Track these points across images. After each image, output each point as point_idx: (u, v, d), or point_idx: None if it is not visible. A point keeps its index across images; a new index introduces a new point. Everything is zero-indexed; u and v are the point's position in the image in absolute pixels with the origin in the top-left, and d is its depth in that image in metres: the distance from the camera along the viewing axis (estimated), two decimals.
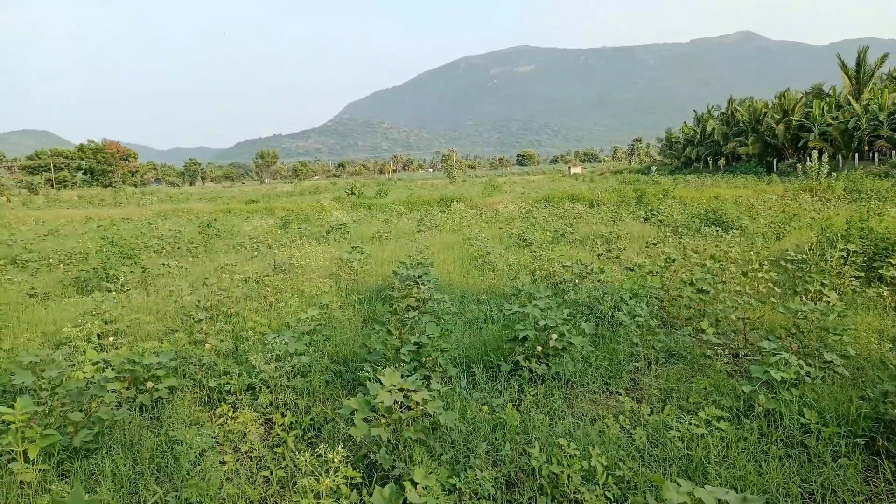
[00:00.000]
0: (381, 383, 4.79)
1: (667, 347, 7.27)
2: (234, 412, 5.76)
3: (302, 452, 4.52)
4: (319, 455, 4.48)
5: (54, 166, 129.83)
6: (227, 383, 6.46)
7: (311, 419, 5.83)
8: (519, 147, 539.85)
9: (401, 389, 4.84)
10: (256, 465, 5.15)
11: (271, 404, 6.21)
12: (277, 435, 5.68)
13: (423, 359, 6.43)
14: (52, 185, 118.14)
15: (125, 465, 4.84)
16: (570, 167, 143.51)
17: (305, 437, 5.62)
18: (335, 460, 3.85)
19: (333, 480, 3.73)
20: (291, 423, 5.84)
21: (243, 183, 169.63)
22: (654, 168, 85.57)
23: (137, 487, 4.61)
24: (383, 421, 4.87)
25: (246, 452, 5.34)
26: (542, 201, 32.60)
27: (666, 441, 4.87)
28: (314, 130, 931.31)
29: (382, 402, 4.70)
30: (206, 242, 19.58)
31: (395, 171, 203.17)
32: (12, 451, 4.50)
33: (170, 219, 33.72)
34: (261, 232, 23.33)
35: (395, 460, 4.62)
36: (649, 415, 5.43)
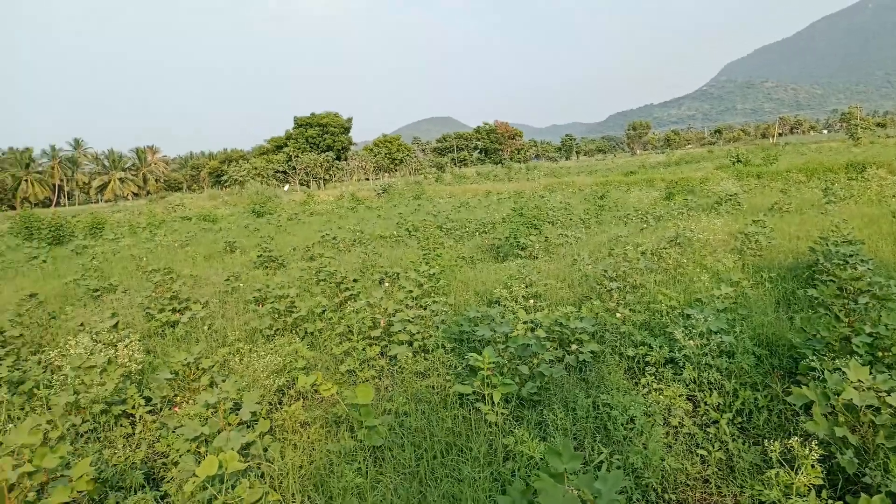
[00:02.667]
0: (846, 376, 4.21)
1: None
2: (657, 384, 5.79)
3: (767, 441, 4.25)
4: (787, 447, 4.15)
5: (456, 147, 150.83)
6: (647, 354, 6.52)
7: (742, 403, 5.50)
8: None
9: (870, 388, 4.17)
10: (687, 442, 5.08)
11: (694, 381, 6.06)
12: (705, 414, 5.52)
13: (881, 353, 5.48)
14: (455, 164, 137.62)
15: (565, 419, 5.26)
16: None
17: (735, 422, 5.33)
18: (809, 456, 3.49)
19: (806, 477, 3.40)
20: (719, 404, 5.61)
21: (615, 155, 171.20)
22: None
23: (581, 443, 4.96)
24: (841, 419, 4.29)
25: (675, 427, 5.32)
26: None
27: None
28: (686, 97, 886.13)
29: (846, 399, 4.13)
30: (597, 214, 20.28)
31: (780, 134, 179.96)
32: (480, 392, 5.29)
33: (556, 191, 35.97)
34: (645, 203, 23.15)
35: (863, 467, 4.02)
36: None
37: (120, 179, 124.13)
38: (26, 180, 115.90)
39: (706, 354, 6.11)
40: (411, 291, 8.95)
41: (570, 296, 9.66)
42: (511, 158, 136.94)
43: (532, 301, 8.79)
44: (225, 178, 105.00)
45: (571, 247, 14.21)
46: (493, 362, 5.30)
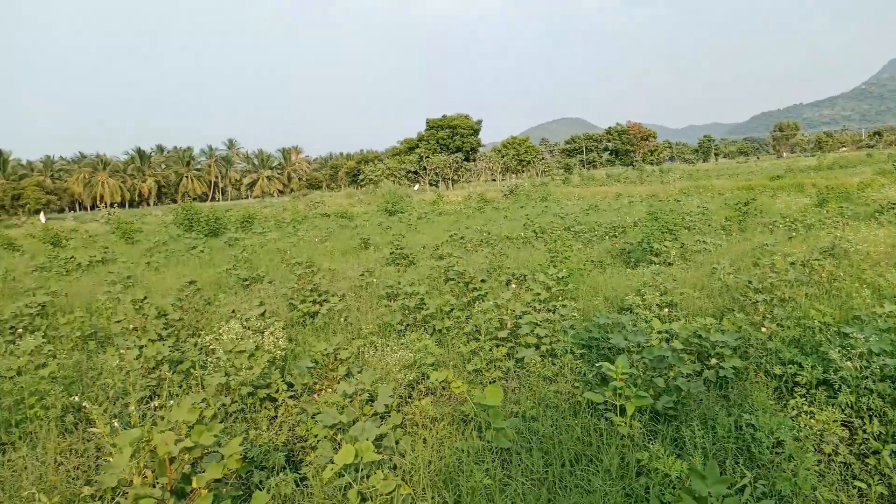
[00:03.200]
0: None
1: None
2: (808, 407, 5.32)
3: None
4: None
5: (585, 148, 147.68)
6: (797, 374, 6.01)
7: None
8: None
9: None
10: (843, 472, 4.62)
11: (851, 407, 5.50)
12: (864, 443, 4.99)
13: None
14: (583, 165, 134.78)
15: (704, 438, 4.96)
16: None
17: None
18: None
19: None
20: (880, 433, 5.05)
21: (758, 158, 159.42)
22: None
23: (722, 465, 4.66)
24: None
25: (829, 455, 4.86)
26: None
27: None
28: (841, 96, 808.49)
29: None
30: (739, 220, 19.03)
31: None
32: (612, 403, 5.13)
33: (692, 195, 34.16)
34: (794, 210, 21.38)
35: None
36: None
37: (267, 177, 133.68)
38: (187, 176, 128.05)
39: (866, 378, 5.52)
40: (539, 294, 8.86)
41: (709, 306, 9.12)
42: (643, 160, 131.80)
43: (667, 310, 8.39)
44: (361, 177, 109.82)
45: (710, 254, 13.42)
46: (627, 372, 5.12)
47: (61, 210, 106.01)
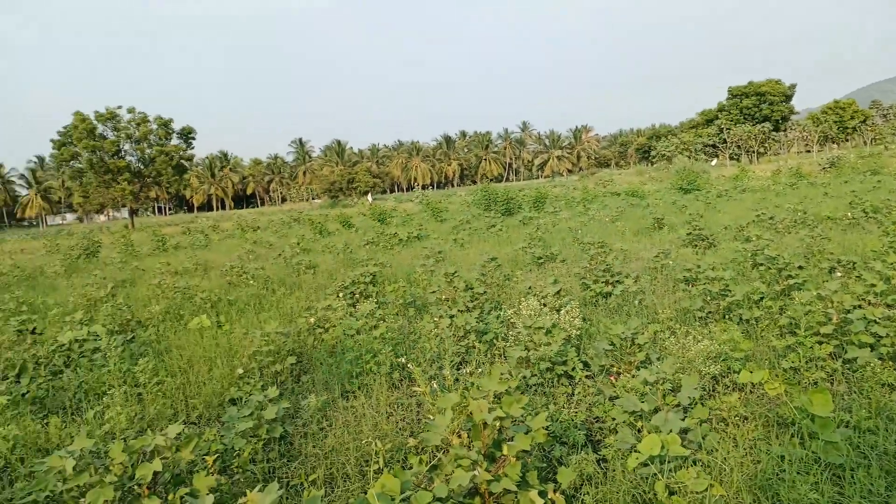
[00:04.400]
0: None
1: None
2: None
3: None
4: None
5: None
6: None
7: None
8: None
9: None
10: None
11: None
12: None
13: None
14: None
15: None
16: None
17: None
18: None
19: None
20: None
21: None
22: None
23: None
24: None
25: None
26: None
27: None
28: None
29: None
30: None
31: None
32: None
33: None
34: None
35: None
36: None
37: (557, 157, 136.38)
38: (485, 159, 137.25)
39: None
40: (873, 286, 7.47)
41: None
42: None
43: None
44: (652, 153, 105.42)
45: None
46: None
47: (384, 191, 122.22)
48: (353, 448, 5.15)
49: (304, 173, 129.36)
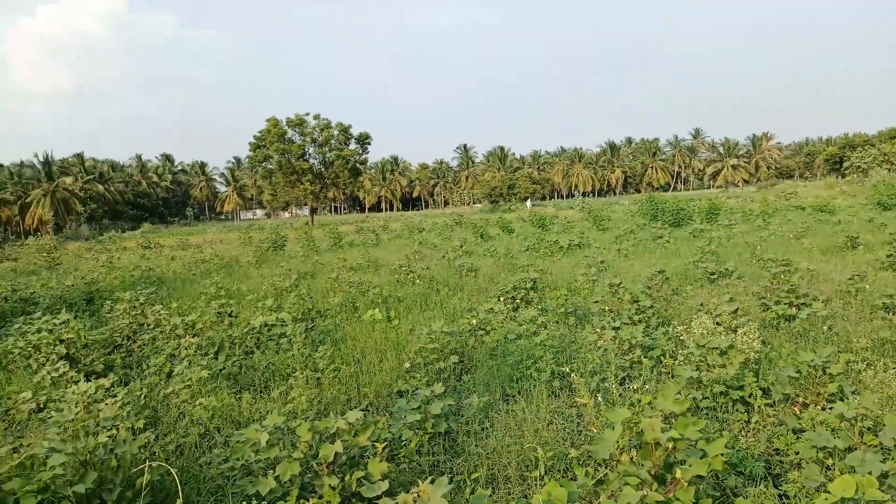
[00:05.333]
0: None
1: None
2: None
3: None
4: None
5: None
6: None
7: None
8: None
9: None
10: None
11: None
12: None
13: None
14: None
15: None
16: None
17: None
18: None
19: None
20: None
21: None
22: None
23: None
24: None
25: None
26: None
27: None
28: None
29: None
30: None
31: None
32: None
33: None
34: None
35: None
36: None
37: (732, 166, 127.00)
38: (651, 167, 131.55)
39: None
40: None
41: None
42: None
43: None
44: (845, 165, 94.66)
45: None
46: None
47: (543, 198, 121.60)
48: (515, 451, 5.21)
49: (467, 178, 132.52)
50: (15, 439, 5.92)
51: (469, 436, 5.74)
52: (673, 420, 4.47)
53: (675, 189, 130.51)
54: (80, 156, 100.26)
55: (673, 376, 6.66)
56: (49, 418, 5.80)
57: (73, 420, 4.71)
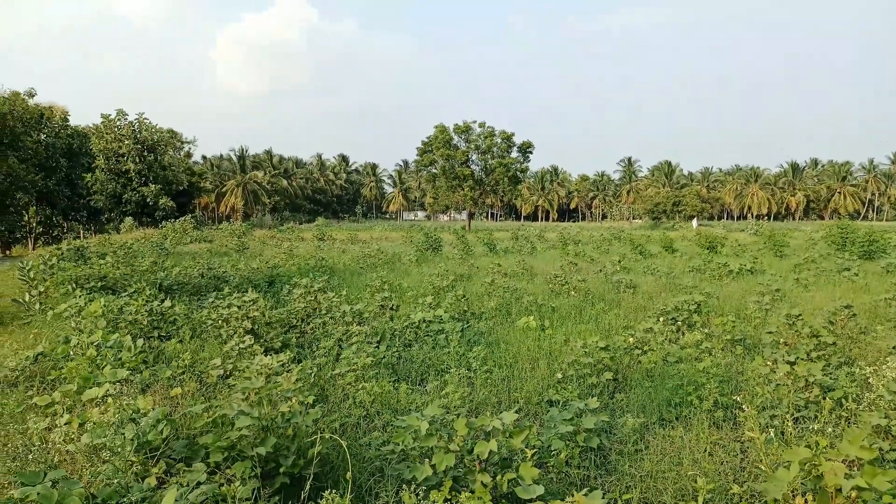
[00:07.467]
0: None
1: None
2: None
3: None
4: None
5: None
6: None
7: None
8: None
9: None
10: None
11: None
12: None
13: None
14: None
15: None
16: None
17: None
18: None
19: None
20: None
21: None
22: None
23: None
24: None
25: None
26: None
27: None
28: None
29: None
30: None
31: None
32: None
33: None
34: None
35: None
36: None
37: None
38: (840, 192, 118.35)
39: None
40: None
41: None
42: None
43: None
44: None
45: None
46: None
47: (711, 217, 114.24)
48: (672, 478, 5.01)
49: (628, 192, 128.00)
50: (206, 400, 6.74)
51: (622, 455, 5.60)
52: (856, 468, 4.08)
53: (865, 218, 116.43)
54: (268, 152, 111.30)
55: (856, 421, 6.01)
56: (234, 385, 6.53)
57: (259, 389, 5.25)
